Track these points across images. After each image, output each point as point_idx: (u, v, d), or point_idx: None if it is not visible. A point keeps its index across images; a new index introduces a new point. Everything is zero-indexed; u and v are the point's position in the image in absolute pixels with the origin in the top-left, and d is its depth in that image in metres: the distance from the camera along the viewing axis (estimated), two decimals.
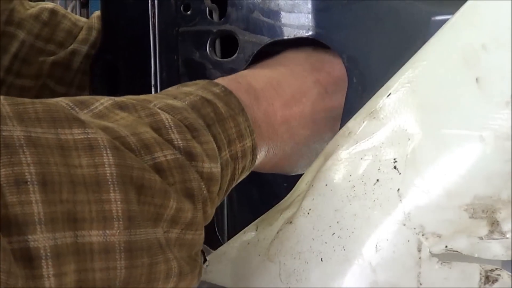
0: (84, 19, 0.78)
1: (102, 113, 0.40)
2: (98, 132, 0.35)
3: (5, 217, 0.30)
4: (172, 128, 0.41)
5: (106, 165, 0.34)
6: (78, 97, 0.40)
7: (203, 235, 0.42)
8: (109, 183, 0.34)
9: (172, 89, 0.48)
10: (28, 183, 0.31)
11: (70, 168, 0.33)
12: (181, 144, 0.41)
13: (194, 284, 0.42)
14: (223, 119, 0.46)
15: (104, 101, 0.41)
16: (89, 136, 0.35)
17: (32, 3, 0.75)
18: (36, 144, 0.32)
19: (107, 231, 0.34)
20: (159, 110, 0.42)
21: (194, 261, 0.42)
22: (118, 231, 0.34)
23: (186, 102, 0.45)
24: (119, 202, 0.34)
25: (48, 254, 0.31)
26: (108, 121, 0.39)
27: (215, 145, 0.44)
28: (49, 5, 0.75)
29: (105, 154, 0.35)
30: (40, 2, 0.76)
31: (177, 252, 0.39)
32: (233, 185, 0.48)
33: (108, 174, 0.34)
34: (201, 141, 0.42)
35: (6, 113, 0.32)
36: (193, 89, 0.47)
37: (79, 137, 0.34)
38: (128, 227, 0.35)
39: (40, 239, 0.31)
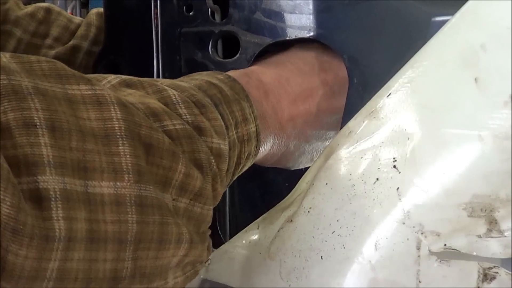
0: (79, 18, 0.78)
1: None
2: (105, 89, 0.35)
3: (15, 157, 0.29)
4: (180, 103, 0.41)
5: (114, 119, 0.34)
6: (85, 75, 0.40)
7: (211, 212, 0.41)
8: (118, 136, 0.34)
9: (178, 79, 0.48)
10: (37, 126, 0.30)
11: (78, 120, 0.33)
12: (189, 119, 0.40)
13: (204, 257, 0.41)
14: (229, 101, 0.46)
15: (111, 79, 0.41)
16: (96, 92, 0.34)
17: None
18: (44, 94, 0.32)
19: (118, 183, 0.33)
20: (166, 87, 0.42)
21: (203, 236, 0.41)
22: (128, 183, 0.33)
23: (192, 84, 0.45)
24: (128, 156, 0.34)
25: (58, 196, 0.30)
26: None
27: (222, 123, 0.43)
28: (44, 4, 0.76)
29: (112, 109, 0.34)
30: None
31: (186, 224, 0.38)
32: (239, 172, 0.48)
33: (116, 128, 0.34)
34: (209, 117, 0.42)
35: (14, 68, 0.32)
36: (198, 76, 0.48)
37: (86, 92, 0.34)
38: (138, 181, 0.34)
39: (50, 181, 0.30)
